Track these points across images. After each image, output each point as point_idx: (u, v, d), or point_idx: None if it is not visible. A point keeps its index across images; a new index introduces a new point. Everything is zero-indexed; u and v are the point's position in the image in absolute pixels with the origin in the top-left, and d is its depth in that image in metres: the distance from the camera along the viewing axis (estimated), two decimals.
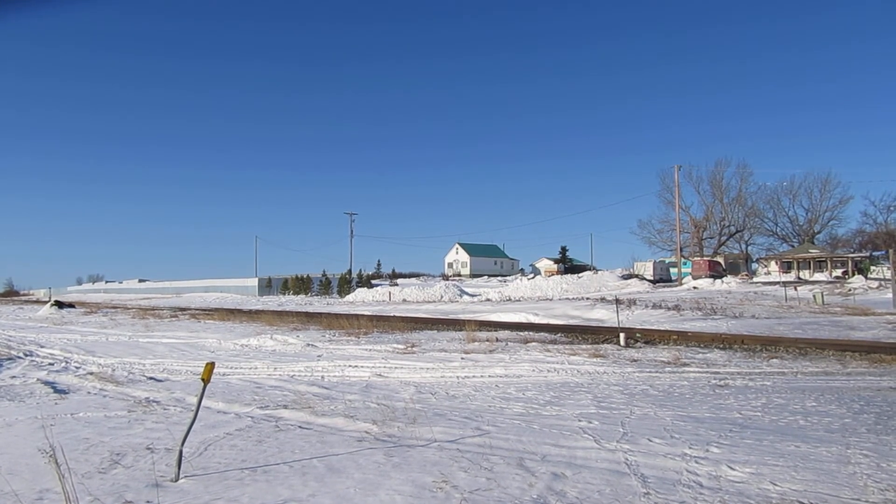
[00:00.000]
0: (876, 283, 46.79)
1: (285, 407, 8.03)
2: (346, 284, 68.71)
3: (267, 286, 76.25)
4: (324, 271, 73.45)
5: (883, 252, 62.78)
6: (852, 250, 77.31)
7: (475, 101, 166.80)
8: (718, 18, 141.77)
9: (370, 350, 14.54)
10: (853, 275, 62.62)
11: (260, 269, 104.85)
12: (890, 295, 30.14)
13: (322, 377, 10.80)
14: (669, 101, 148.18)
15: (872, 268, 66.63)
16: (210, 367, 5.16)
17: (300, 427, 6.91)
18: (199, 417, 5.38)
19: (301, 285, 71.55)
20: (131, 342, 18.17)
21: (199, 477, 5.06)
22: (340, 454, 5.74)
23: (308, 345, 15.87)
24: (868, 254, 72.64)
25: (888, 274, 43.64)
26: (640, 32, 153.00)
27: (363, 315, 26.21)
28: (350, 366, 11.95)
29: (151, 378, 11.05)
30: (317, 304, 48.68)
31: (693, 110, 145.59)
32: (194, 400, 6.05)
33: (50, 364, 13.14)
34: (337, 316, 26.05)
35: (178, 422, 7.14)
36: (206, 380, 5.14)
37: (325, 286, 69.45)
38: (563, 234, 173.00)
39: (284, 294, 70.25)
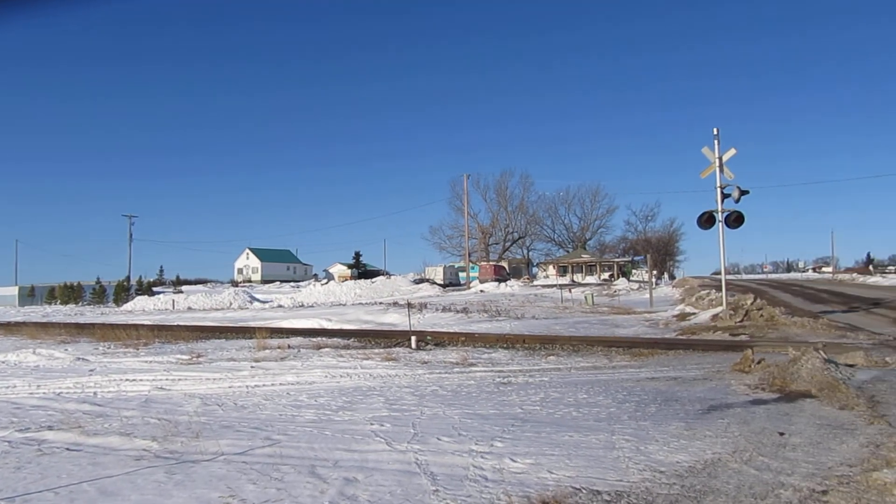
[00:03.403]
0: (637, 285, 52.31)
1: (50, 428, 7.25)
2: (123, 292, 63.61)
3: (29, 295, 68.50)
4: (98, 278, 67.82)
5: (642, 257, 70.22)
6: (617, 255, 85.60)
7: (261, 108, 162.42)
8: (493, 30, 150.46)
9: (151, 362, 13.58)
10: (618, 277, 69.37)
11: (21, 277, 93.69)
12: (647, 295, 33.78)
13: (95, 393, 9.90)
14: (458, 109, 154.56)
15: (634, 271, 74.35)
16: None
17: (68, 449, 6.28)
18: None
19: (71, 294, 65.29)
20: None
21: None
22: (115, 475, 5.29)
23: (78, 359, 14.47)
24: (630, 258, 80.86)
25: (647, 276, 48.86)
26: (424, 41, 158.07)
27: (143, 325, 24.45)
28: (127, 380, 11.06)
29: None
30: (89, 314, 44.53)
31: (480, 119, 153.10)
32: None
33: None
34: (113, 326, 24.00)
35: None
36: None
37: (100, 294, 63.96)
38: (357, 240, 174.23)
39: (51, 304, 63.53)
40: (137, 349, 16.45)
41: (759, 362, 9.95)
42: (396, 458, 5.64)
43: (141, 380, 11.01)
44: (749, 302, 19.81)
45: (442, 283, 62.81)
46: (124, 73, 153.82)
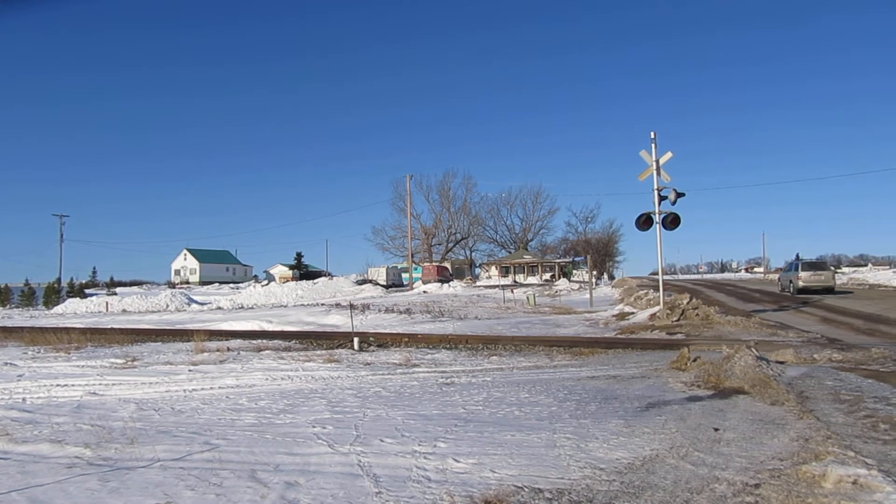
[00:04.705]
0: (577, 285, 53.16)
1: None
2: (54, 294, 61.42)
3: None
4: (26, 280, 65.56)
5: (582, 258, 71.46)
6: (558, 256, 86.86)
7: (198, 110, 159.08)
8: (435, 32, 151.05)
9: (83, 367, 13.13)
10: (559, 278, 70.34)
11: None
12: (588, 295, 34.33)
13: (23, 399, 9.51)
14: (401, 110, 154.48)
15: (574, 271, 75.50)
16: None
17: None
18: None
19: None
20: None
21: None
22: (46, 484, 5.09)
23: (6, 363, 13.89)
24: (571, 259, 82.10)
25: (587, 277, 49.73)
26: (366, 42, 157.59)
27: (75, 328, 23.57)
28: (58, 385, 10.67)
29: None
30: (18, 317, 42.79)
31: (423, 120, 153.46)
32: None
33: None
34: (43, 330, 23.10)
35: None
36: None
37: (28, 297, 61.59)
38: (298, 241, 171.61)
39: None
40: (69, 353, 15.88)
41: (694, 360, 10.22)
42: (339, 461, 5.59)
43: (73, 385, 10.63)
44: (685, 301, 20.34)
45: (385, 284, 62.63)
46: (55, 75, 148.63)
